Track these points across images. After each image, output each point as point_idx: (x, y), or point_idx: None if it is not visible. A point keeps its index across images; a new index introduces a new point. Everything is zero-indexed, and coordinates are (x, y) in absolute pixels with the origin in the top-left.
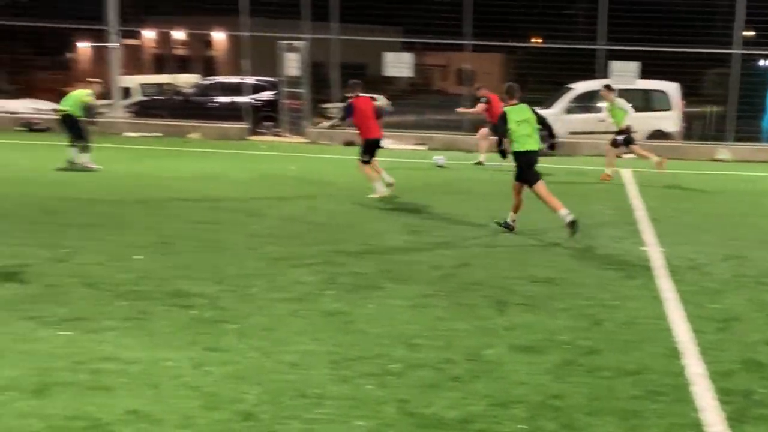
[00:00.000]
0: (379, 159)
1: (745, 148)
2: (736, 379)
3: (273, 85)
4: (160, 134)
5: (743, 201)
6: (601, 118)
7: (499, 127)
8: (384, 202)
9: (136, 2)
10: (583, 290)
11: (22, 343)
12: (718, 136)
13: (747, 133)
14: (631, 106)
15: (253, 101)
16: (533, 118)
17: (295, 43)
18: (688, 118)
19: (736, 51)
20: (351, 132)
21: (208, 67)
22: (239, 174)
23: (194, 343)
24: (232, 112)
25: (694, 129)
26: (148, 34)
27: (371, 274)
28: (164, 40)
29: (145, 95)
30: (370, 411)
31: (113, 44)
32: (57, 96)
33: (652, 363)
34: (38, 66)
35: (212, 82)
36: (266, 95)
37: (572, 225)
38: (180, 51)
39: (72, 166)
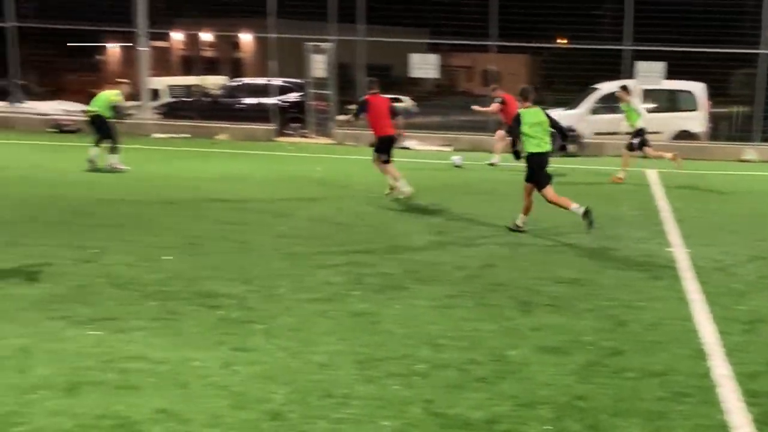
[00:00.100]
0: (401, 160)
1: None
2: (762, 380)
3: (300, 86)
4: (188, 135)
5: None
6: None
7: (514, 129)
8: (400, 203)
9: (165, 5)
10: (608, 291)
11: (52, 343)
12: (745, 137)
13: None
14: (657, 107)
15: (279, 103)
16: (546, 121)
17: (322, 44)
18: (714, 119)
19: (764, 51)
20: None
21: (236, 68)
22: (266, 175)
23: (222, 343)
24: (259, 114)
25: (721, 129)
26: (177, 36)
27: (397, 274)
28: (192, 42)
29: (173, 97)
30: (395, 411)
31: (142, 46)
32: (86, 97)
33: (678, 364)
34: (68, 68)
35: (239, 83)
36: (293, 97)
37: (586, 215)
38: (208, 53)
39: (92, 165)
